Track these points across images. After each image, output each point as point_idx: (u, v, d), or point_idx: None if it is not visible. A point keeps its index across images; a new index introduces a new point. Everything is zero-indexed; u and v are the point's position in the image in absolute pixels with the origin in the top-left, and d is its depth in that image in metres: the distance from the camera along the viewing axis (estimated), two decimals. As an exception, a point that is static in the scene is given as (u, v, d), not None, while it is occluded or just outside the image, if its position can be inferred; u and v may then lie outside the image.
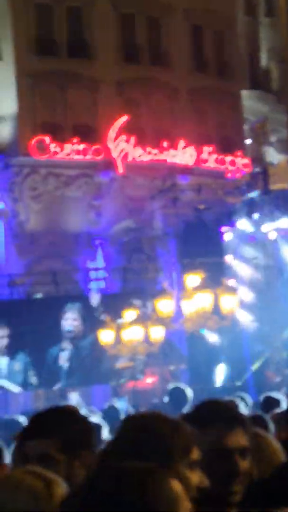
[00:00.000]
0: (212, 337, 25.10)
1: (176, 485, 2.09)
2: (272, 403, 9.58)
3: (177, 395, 11.37)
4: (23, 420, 9.36)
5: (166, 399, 13.09)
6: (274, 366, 26.34)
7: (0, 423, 10.23)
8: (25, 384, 27.67)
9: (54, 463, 3.19)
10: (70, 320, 27.59)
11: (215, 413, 3.06)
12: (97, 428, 7.40)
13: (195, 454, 2.71)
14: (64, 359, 27.51)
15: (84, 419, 3.48)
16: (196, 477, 2.69)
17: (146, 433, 2.64)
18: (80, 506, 2.05)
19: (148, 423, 2.69)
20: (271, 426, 6.25)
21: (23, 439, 3.38)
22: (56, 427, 3.30)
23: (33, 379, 27.36)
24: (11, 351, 27.61)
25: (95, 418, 9.07)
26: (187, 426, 2.75)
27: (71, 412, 3.51)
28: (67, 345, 27.58)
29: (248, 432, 3.09)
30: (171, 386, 13.01)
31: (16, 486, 2.64)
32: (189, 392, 11.47)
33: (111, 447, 2.66)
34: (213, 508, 2.87)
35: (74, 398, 19.38)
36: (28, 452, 3.27)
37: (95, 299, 28.37)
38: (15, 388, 27.91)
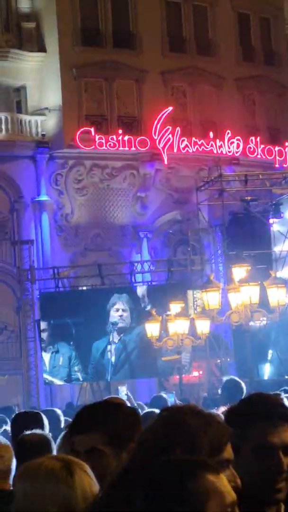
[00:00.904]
0: (260, 330, 24.77)
1: (209, 481, 2.09)
2: None
3: (232, 387, 11.10)
4: (59, 412, 9.23)
5: (219, 391, 12.88)
6: None
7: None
8: (69, 377, 27.61)
9: (102, 456, 3.22)
10: (120, 311, 27.48)
11: (260, 408, 2.99)
12: (144, 420, 7.15)
13: (228, 452, 2.58)
14: (111, 352, 27.39)
15: (131, 412, 3.47)
16: (225, 477, 2.51)
17: (175, 427, 2.52)
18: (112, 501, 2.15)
19: (179, 417, 2.57)
20: None
21: (70, 434, 3.38)
22: (103, 421, 3.29)
23: (78, 372, 27.28)
24: (55, 344, 27.57)
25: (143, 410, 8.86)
26: (221, 422, 2.61)
27: (118, 405, 3.49)
28: (114, 338, 27.47)
29: None
30: (225, 378, 12.76)
31: (37, 469, 2.67)
32: (244, 385, 11.21)
33: (142, 439, 2.55)
34: (257, 506, 2.83)
35: (123, 392, 19.21)
36: (75, 447, 3.27)
37: (141, 291, 28.21)
38: (59, 381, 27.87)
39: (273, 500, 2.88)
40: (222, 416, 2.97)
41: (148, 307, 26.42)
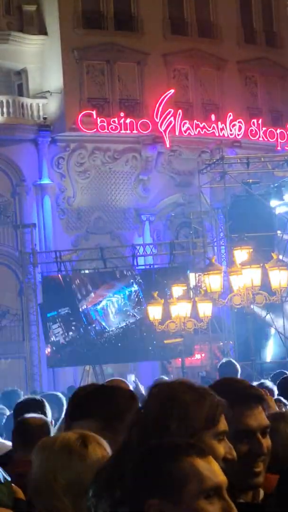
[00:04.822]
0: (262, 313, 24.80)
1: (189, 464, 2.10)
2: None
3: (227, 369, 11.15)
4: (61, 396, 9.28)
5: (206, 374, 12.93)
6: None
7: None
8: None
9: None
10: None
11: (234, 392, 2.95)
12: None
13: (223, 424, 2.57)
14: (112, 335, 27.46)
15: (128, 395, 3.42)
16: (222, 449, 2.56)
17: (170, 401, 2.51)
18: (105, 482, 2.17)
19: (171, 392, 2.56)
20: None
21: (66, 421, 3.37)
22: (98, 406, 3.25)
23: (79, 355, 27.33)
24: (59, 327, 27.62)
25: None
26: (213, 394, 2.60)
27: (113, 389, 3.46)
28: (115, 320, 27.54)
29: (267, 410, 3.01)
30: (223, 360, 12.80)
31: (54, 442, 2.77)
32: (239, 367, 11.25)
33: (137, 417, 2.55)
34: (236, 490, 2.78)
35: (131, 379, 19.27)
36: None
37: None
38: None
39: (252, 484, 2.85)
40: None
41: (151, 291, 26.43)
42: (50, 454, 2.72)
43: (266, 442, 2.90)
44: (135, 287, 27.56)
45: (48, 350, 27.67)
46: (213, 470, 2.12)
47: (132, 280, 27.80)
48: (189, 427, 2.43)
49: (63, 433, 2.82)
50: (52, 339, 27.35)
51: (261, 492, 2.87)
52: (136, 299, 27.34)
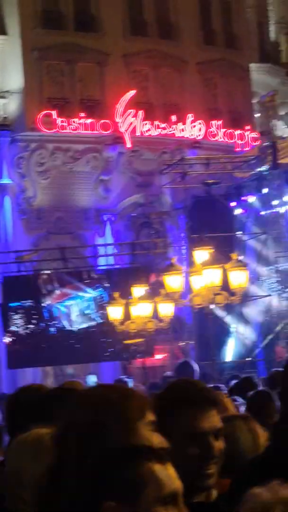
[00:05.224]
0: (222, 313, 24.95)
1: (147, 469, 2.10)
2: (279, 378, 9.33)
3: (184, 370, 11.20)
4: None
5: (172, 373, 12.99)
6: (284, 341, 26.21)
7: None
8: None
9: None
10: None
11: (188, 394, 2.95)
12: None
13: (151, 415, 2.59)
14: (72, 335, 27.44)
15: None
16: (157, 438, 2.56)
17: (100, 400, 2.52)
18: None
19: (101, 392, 2.59)
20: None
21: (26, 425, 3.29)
22: (56, 411, 3.11)
23: (39, 351, 27.27)
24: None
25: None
26: (138, 393, 2.63)
27: (70, 391, 3.46)
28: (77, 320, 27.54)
29: (220, 411, 3.01)
30: (179, 361, 12.85)
31: (26, 436, 2.80)
32: (196, 367, 11.29)
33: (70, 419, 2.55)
34: (189, 494, 2.73)
35: (92, 380, 19.29)
36: None
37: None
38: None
39: (204, 486, 2.87)
40: None
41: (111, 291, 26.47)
42: (22, 447, 2.76)
43: (219, 444, 2.92)
44: (100, 291, 27.58)
45: (7, 339, 27.47)
46: (170, 476, 2.12)
47: (98, 284, 27.79)
48: (123, 419, 2.46)
49: (37, 429, 2.84)
50: (11, 328, 27.22)
51: (214, 493, 2.91)
52: (100, 303, 27.32)
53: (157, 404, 2.95)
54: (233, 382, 8.61)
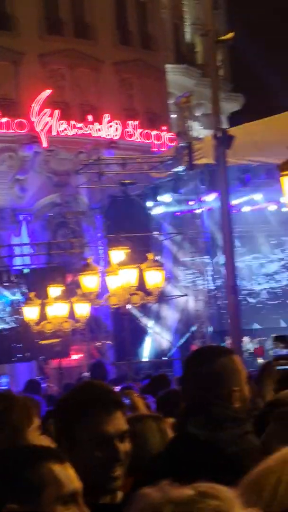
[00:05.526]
0: (138, 313, 25.04)
1: (47, 470, 2.13)
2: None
3: (98, 370, 11.22)
4: None
5: (87, 374, 12.98)
6: (200, 340, 26.42)
7: None
8: None
9: None
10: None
11: (93, 397, 2.95)
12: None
13: (37, 420, 2.74)
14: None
15: None
16: (46, 442, 2.70)
17: None
18: None
19: None
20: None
21: None
22: None
23: None
24: None
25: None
26: (23, 401, 2.75)
27: None
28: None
29: (125, 413, 3.02)
30: (93, 361, 12.85)
31: None
32: (110, 367, 11.32)
33: None
34: (94, 495, 2.82)
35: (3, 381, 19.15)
36: None
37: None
38: None
39: (110, 489, 2.88)
40: None
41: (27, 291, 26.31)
42: None
43: (125, 446, 2.92)
44: (17, 296, 27.35)
45: None
46: (70, 476, 2.14)
47: (16, 289, 27.54)
48: (13, 427, 2.48)
49: None
50: None
51: (120, 494, 2.92)
52: (16, 307, 27.09)
53: (62, 408, 2.96)
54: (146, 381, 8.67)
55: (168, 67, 37.10)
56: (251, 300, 30.08)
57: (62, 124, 32.55)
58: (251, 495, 1.74)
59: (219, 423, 3.20)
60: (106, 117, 33.36)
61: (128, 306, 20.61)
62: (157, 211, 27.36)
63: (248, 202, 27.26)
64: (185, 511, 1.42)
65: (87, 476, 2.75)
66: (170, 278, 25.98)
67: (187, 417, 3.28)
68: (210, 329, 25.59)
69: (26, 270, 28.64)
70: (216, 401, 3.26)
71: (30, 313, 23.06)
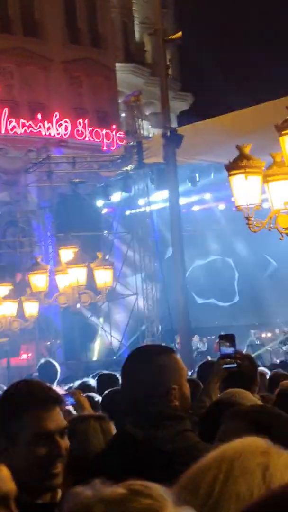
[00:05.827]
0: (88, 312, 25.01)
1: None
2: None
3: (46, 370, 11.17)
4: None
5: (36, 374, 12.91)
6: (150, 339, 26.47)
7: None
8: None
9: None
10: None
11: (31, 395, 2.96)
12: None
13: None
14: None
15: None
16: None
17: None
18: None
19: None
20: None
21: None
22: None
23: None
24: None
25: None
26: None
27: None
28: None
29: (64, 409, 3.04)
30: (41, 361, 12.79)
31: None
32: (58, 366, 11.28)
33: None
34: (35, 494, 2.82)
35: None
36: None
37: None
38: None
39: (50, 486, 2.88)
40: None
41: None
42: None
43: (65, 443, 2.93)
44: None
45: None
46: (2, 478, 2.12)
47: None
48: None
49: None
50: None
51: (59, 492, 2.92)
52: None
53: (2, 406, 2.96)
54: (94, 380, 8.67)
55: (118, 65, 37.10)
56: (199, 299, 30.25)
57: (11, 122, 32.35)
58: (187, 493, 1.74)
59: (156, 422, 3.22)
60: (56, 116, 33.23)
61: (78, 305, 20.58)
62: (107, 210, 27.35)
63: (198, 201, 27.39)
64: (116, 510, 1.42)
65: (27, 475, 2.74)
66: (120, 277, 25.99)
67: (126, 416, 3.30)
68: (160, 328, 25.65)
69: (-25, 269, 28.43)
70: (154, 399, 3.27)
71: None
